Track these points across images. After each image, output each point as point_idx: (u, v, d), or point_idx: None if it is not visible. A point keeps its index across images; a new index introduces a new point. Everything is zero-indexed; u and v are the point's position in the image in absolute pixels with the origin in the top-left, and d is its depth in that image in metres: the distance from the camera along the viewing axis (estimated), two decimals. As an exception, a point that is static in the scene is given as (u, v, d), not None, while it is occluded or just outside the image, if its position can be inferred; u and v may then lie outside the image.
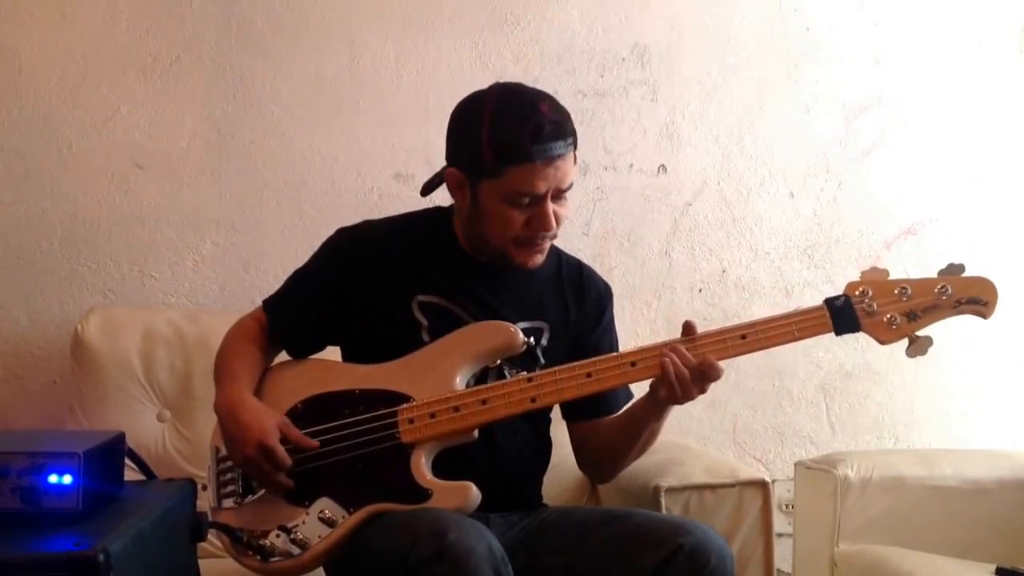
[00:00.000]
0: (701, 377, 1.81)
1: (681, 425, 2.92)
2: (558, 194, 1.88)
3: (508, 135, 1.83)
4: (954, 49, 3.20)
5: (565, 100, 2.87)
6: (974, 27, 3.21)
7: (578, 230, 2.98)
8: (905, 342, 1.85)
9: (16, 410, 2.70)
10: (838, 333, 1.85)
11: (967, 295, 1.83)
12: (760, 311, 2.95)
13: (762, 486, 2.18)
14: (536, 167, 1.82)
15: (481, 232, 1.94)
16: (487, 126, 1.84)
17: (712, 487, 2.18)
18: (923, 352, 1.84)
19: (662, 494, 2.14)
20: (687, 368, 1.80)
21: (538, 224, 1.88)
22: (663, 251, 3.06)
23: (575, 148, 1.89)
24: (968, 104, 3.21)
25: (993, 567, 2.27)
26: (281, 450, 1.82)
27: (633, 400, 1.99)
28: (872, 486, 2.47)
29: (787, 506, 2.95)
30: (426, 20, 2.92)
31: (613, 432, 2.02)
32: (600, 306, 2.11)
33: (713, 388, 3.01)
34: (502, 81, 1.97)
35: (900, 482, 2.50)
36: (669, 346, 1.82)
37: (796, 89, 3.13)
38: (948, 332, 3.09)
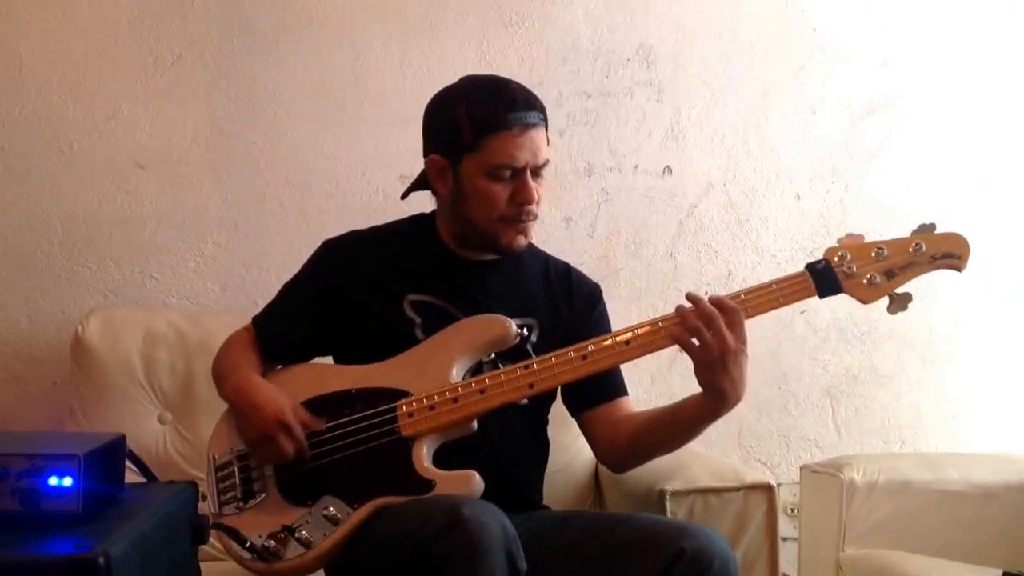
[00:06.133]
0: (723, 318, 1.77)
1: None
2: (536, 171, 1.92)
3: (483, 107, 1.90)
4: (961, 51, 3.19)
5: (570, 101, 2.96)
6: (980, 28, 3.19)
7: (583, 232, 2.97)
8: (886, 300, 1.87)
9: (16, 411, 2.69)
10: (821, 296, 1.87)
11: (941, 250, 1.87)
12: (765, 313, 2.95)
13: (767, 490, 2.17)
14: (513, 134, 1.88)
15: (467, 216, 1.97)
16: (462, 104, 1.93)
17: (717, 491, 2.17)
18: (904, 308, 1.87)
19: (667, 498, 2.13)
20: (704, 312, 1.78)
21: (521, 197, 1.92)
22: (668, 253, 3.05)
23: (546, 127, 1.95)
24: (975, 106, 3.20)
25: (999, 571, 2.26)
26: (298, 426, 1.85)
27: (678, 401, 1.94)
28: (878, 490, 2.47)
29: (792, 510, 2.94)
30: (430, 20, 2.91)
31: (650, 426, 1.98)
32: (591, 301, 2.13)
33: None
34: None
35: (906, 486, 2.50)
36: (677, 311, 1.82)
37: (802, 90, 3.12)
38: (954, 336, 3.12)
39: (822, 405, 3.16)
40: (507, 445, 1.98)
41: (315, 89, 2.85)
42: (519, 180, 1.91)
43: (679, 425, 1.94)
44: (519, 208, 1.93)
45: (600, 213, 3.00)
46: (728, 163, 3.08)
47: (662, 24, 3.03)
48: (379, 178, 2.87)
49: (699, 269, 3.07)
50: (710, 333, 1.77)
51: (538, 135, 1.92)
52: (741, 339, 1.78)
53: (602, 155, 2.99)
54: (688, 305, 1.81)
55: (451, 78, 2.86)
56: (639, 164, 3.02)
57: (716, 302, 1.80)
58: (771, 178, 3.11)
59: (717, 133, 3.07)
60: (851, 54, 3.14)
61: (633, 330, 1.85)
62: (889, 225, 3.11)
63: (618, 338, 1.86)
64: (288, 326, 2.05)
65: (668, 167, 3.04)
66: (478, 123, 1.89)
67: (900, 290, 1.87)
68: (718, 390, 1.81)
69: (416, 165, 2.82)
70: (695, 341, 1.79)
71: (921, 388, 3.20)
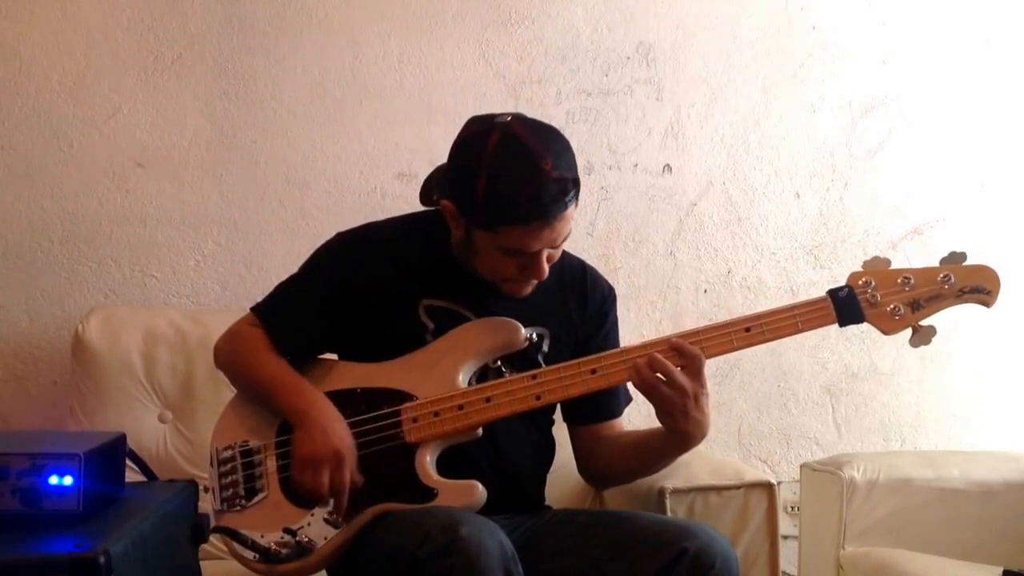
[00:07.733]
0: (682, 364, 1.77)
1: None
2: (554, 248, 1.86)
3: (504, 196, 1.77)
4: (961, 48, 3.19)
5: (569, 99, 2.96)
6: (981, 26, 3.19)
7: (583, 230, 2.97)
8: (908, 332, 1.84)
9: (17, 411, 2.69)
10: (842, 325, 1.84)
11: (970, 284, 1.82)
12: (765, 312, 2.95)
13: (767, 488, 2.17)
14: (531, 229, 1.78)
15: (473, 264, 1.92)
16: (484, 179, 1.77)
17: (717, 489, 2.17)
18: (927, 342, 1.83)
19: (667, 496, 2.12)
20: (658, 366, 1.77)
21: (530, 274, 1.87)
22: (668, 251, 3.04)
23: (576, 198, 1.82)
24: (975, 104, 3.20)
25: (1000, 570, 2.26)
26: (347, 471, 1.77)
27: (651, 429, 1.94)
28: (878, 488, 2.46)
29: (792, 508, 2.93)
30: (429, 19, 2.90)
31: (625, 452, 2.00)
32: (604, 308, 2.09)
33: (719, 390, 3.05)
34: (517, 114, 1.86)
35: (906, 484, 2.49)
36: (646, 354, 1.79)
37: (802, 88, 3.12)
38: (955, 334, 3.11)
39: (822, 403, 3.16)
40: (512, 448, 1.96)
41: (314, 88, 2.85)
42: (532, 259, 1.84)
43: (650, 457, 1.95)
44: (526, 278, 1.89)
45: (600, 211, 3.00)
46: (728, 161, 3.08)
47: (662, 22, 3.03)
48: (377, 177, 2.87)
49: (699, 267, 3.07)
50: (667, 383, 1.76)
51: (560, 222, 1.79)
52: (701, 383, 1.77)
53: (602, 153, 2.99)
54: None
55: (450, 77, 2.90)
56: (639, 162, 3.02)
57: (676, 348, 1.79)
58: (771, 176, 3.11)
59: (717, 131, 3.07)
60: (851, 52, 3.13)
61: (647, 348, 1.81)
62: (889, 224, 3.15)
63: (628, 355, 1.82)
64: (299, 321, 1.96)
65: (668, 165, 3.04)
66: (496, 209, 1.78)
67: (924, 323, 1.82)
68: (682, 432, 1.81)
69: (415, 163, 2.86)
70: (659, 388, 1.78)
71: (921, 386, 3.20)
